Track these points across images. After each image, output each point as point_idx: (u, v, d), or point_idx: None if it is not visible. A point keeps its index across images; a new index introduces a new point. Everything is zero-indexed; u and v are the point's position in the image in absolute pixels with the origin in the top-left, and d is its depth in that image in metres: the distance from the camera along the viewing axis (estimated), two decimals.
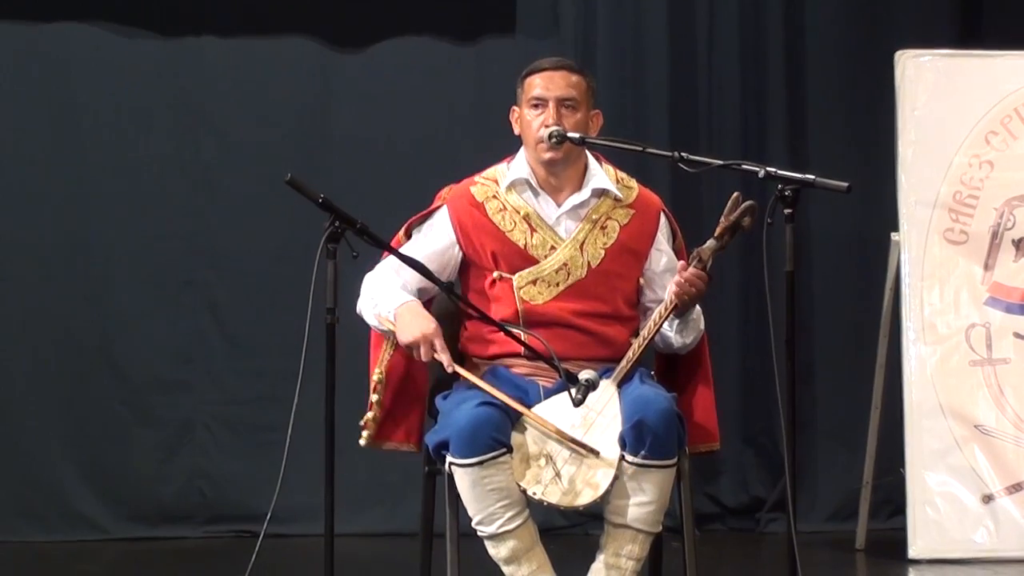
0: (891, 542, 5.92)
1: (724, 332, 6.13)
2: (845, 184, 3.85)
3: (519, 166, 4.18)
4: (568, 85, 4.13)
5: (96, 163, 6.41)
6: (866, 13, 6.69)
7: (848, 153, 6.56)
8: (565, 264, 4.12)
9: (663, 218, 4.25)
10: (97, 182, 6.41)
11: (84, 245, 6.41)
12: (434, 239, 4.17)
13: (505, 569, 3.91)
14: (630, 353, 4.04)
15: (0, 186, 6.38)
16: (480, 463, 3.82)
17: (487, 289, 4.14)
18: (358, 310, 4.16)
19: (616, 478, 3.85)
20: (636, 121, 6.52)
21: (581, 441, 3.85)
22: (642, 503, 3.87)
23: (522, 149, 4.21)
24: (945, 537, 5.61)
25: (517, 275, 4.11)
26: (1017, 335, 5.73)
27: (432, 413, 4.17)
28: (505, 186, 4.16)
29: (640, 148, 4.13)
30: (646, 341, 4.03)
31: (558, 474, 3.85)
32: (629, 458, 3.85)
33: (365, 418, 4.15)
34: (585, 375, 3.85)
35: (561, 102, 4.11)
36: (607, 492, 3.85)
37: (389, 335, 4.12)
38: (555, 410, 3.93)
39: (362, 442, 4.16)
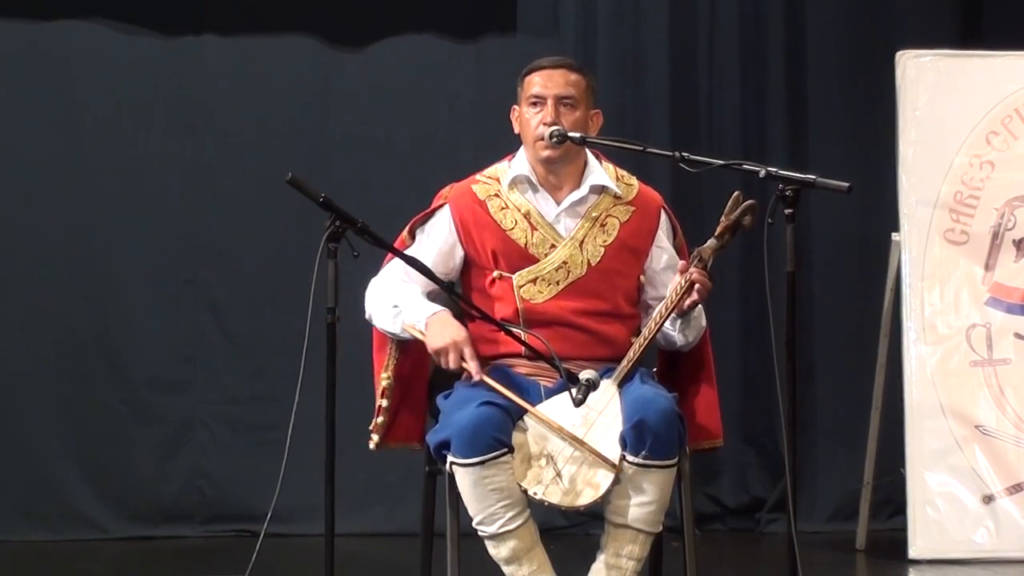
0: (891, 542, 5.93)
1: (724, 332, 6.12)
2: (846, 184, 3.85)
3: (520, 164, 4.18)
4: (567, 83, 4.13)
5: (96, 162, 6.41)
6: (867, 13, 6.69)
7: (849, 153, 6.56)
8: (565, 262, 4.12)
9: (663, 215, 4.25)
10: (97, 181, 6.41)
11: (84, 244, 6.41)
12: (438, 239, 4.17)
13: (505, 569, 3.91)
14: (631, 353, 4.03)
15: (0, 185, 6.38)
16: (481, 463, 3.81)
17: (487, 288, 4.14)
18: (367, 316, 4.15)
19: (617, 478, 3.84)
20: (636, 121, 6.52)
21: (605, 456, 3.84)
22: (643, 503, 3.87)
23: (522, 148, 4.21)
24: (945, 537, 5.62)
25: (517, 274, 4.11)
26: (1018, 335, 5.73)
27: (432, 413, 4.17)
28: (507, 183, 4.16)
29: (641, 148, 4.13)
30: (647, 341, 4.03)
31: (559, 474, 3.85)
32: (630, 458, 3.85)
33: (374, 423, 4.15)
34: (586, 375, 3.85)
35: (560, 100, 4.11)
36: (608, 492, 3.85)
37: (395, 341, 4.12)
38: (556, 410, 3.93)
39: (372, 446, 4.16)
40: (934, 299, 5.75)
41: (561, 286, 4.11)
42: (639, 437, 3.83)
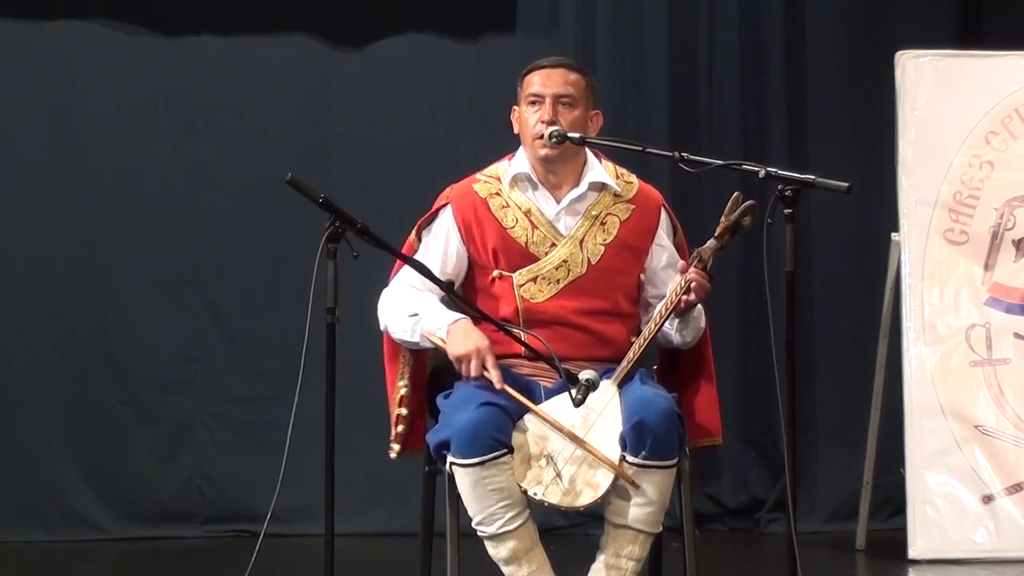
0: (891, 542, 5.92)
1: (724, 332, 6.11)
2: (845, 184, 3.85)
3: (520, 162, 4.19)
4: (566, 82, 4.13)
5: (96, 162, 6.41)
6: (866, 13, 6.70)
7: (848, 153, 6.56)
8: (565, 261, 4.12)
9: (664, 213, 4.26)
10: (97, 181, 6.41)
11: (84, 244, 6.40)
12: (443, 241, 4.17)
13: (505, 569, 3.91)
14: (630, 353, 4.03)
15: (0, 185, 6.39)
16: (481, 463, 3.81)
17: (488, 288, 4.14)
18: (383, 327, 4.15)
19: (616, 479, 3.84)
20: (636, 121, 6.52)
21: (617, 467, 3.84)
22: (642, 503, 3.87)
23: (521, 147, 4.22)
24: (945, 537, 5.62)
25: (517, 272, 4.11)
26: (1017, 335, 5.73)
27: (432, 412, 4.17)
28: (508, 182, 4.16)
29: (640, 148, 4.13)
30: (646, 342, 4.03)
31: (559, 474, 3.85)
32: (630, 458, 3.85)
33: (394, 432, 4.14)
34: (585, 375, 3.85)
35: (558, 99, 4.11)
36: (607, 492, 3.85)
37: (408, 349, 4.14)
38: (556, 410, 3.93)
39: (392, 455, 4.15)
40: (934, 299, 5.75)
41: (561, 285, 4.12)
42: (639, 437, 3.83)
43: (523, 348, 4.02)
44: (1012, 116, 5.81)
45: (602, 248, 4.14)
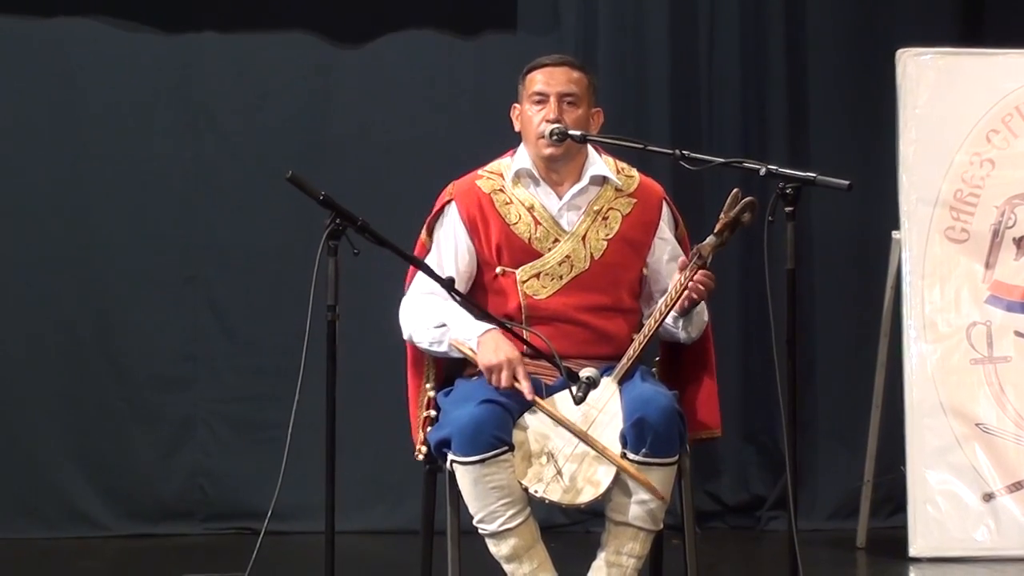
0: (892, 540, 5.92)
1: (725, 330, 6.11)
2: (846, 182, 3.86)
3: (521, 158, 4.19)
4: (569, 81, 4.14)
5: (96, 159, 6.41)
6: (867, 11, 6.69)
7: (849, 151, 6.56)
8: (568, 257, 4.12)
9: (665, 206, 4.27)
10: (97, 179, 6.41)
11: (84, 242, 6.40)
12: (454, 239, 4.17)
13: (506, 567, 3.91)
14: (630, 351, 4.04)
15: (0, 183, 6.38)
16: (482, 461, 3.82)
17: (490, 285, 4.14)
18: (406, 336, 4.15)
19: (617, 476, 3.84)
20: (637, 118, 6.51)
21: (616, 456, 3.85)
22: (643, 501, 3.87)
23: (522, 144, 4.22)
24: (946, 535, 5.62)
25: (520, 269, 4.12)
26: (1018, 333, 5.73)
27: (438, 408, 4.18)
28: (511, 177, 4.16)
29: (641, 146, 4.14)
30: (646, 339, 4.04)
31: (559, 472, 3.85)
32: (630, 456, 3.85)
33: (423, 434, 4.13)
34: (586, 373, 3.85)
35: (562, 97, 4.12)
36: (608, 490, 3.85)
37: (429, 356, 4.16)
38: (556, 407, 3.93)
39: (420, 457, 4.15)
40: (934, 297, 5.75)
41: (564, 280, 4.12)
42: (639, 435, 3.83)
43: (524, 346, 4.02)
44: (1013, 114, 5.80)
45: (604, 243, 4.14)
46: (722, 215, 3.99)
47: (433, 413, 4.15)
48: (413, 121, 6.52)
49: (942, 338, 5.72)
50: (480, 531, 3.91)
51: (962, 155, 5.79)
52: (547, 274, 4.12)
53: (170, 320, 6.43)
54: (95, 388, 6.37)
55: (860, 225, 6.53)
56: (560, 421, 3.89)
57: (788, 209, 3.86)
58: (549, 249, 4.13)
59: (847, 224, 6.55)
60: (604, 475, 3.85)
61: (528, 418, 3.93)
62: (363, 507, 6.26)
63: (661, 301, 4.06)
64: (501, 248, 4.12)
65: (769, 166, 3.91)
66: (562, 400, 3.92)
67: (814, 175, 3.87)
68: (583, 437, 3.87)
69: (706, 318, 4.20)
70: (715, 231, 3.99)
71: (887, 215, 5.96)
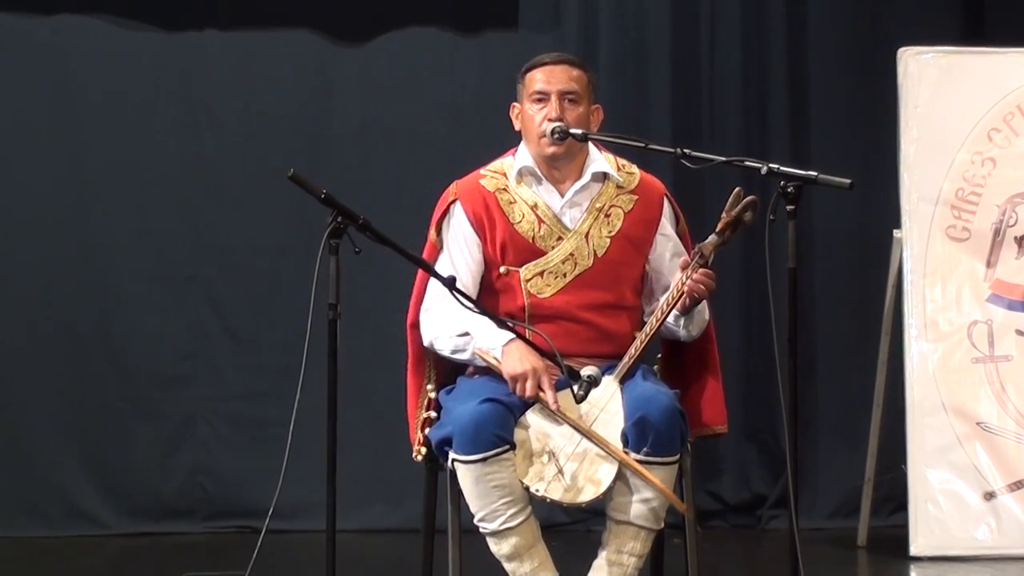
0: (892, 539, 5.92)
1: (726, 329, 6.10)
2: (848, 181, 3.85)
3: (523, 157, 4.19)
4: (570, 79, 4.14)
5: (97, 157, 6.41)
6: (868, 9, 6.68)
7: (850, 150, 6.55)
8: (572, 254, 4.12)
9: (666, 203, 4.27)
10: (98, 177, 6.41)
11: (85, 240, 6.40)
12: (466, 240, 4.16)
13: (507, 566, 3.91)
14: (632, 349, 4.04)
15: (0, 180, 6.38)
16: (483, 460, 3.82)
17: (492, 284, 4.14)
18: (428, 343, 4.14)
19: (619, 475, 3.84)
20: (638, 117, 6.51)
21: (633, 462, 3.85)
22: (644, 500, 3.87)
23: (523, 143, 4.22)
24: (947, 534, 5.61)
25: (524, 267, 4.12)
26: (1019, 332, 5.72)
27: (439, 408, 4.17)
28: (514, 176, 4.16)
29: (643, 144, 4.13)
30: (648, 338, 4.04)
31: (561, 471, 3.85)
32: (632, 455, 3.85)
33: (422, 435, 4.14)
34: (587, 371, 3.84)
35: (563, 95, 4.12)
36: (609, 489, 3.85)
37: (432, 355, 4.16)
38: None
39: (419, 458, 4.15)
40: (935, 296, 5.75)
41: (568, 278, 4.12)
42: (641, 434, 3.84)
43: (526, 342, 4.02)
44: (1014, 113, 5.80)
45: (608, 241, 4.14)
46: (724, 214, 3.99)
47: (434, 414, 4.14)
48: (414, 119, 6.52)
49: (943, 337, 5.72)
50: (481, 530, 3.91)
51: (963, 154, 5.78)
52: (551, 272, 4.12)
53: (171, 318, 6.43)
54: (96, 386, 6.37)
55: (861, 224, 6.53)
56: (573, 425, 3.88)
57: (789, 208, 3.86)
58: (553, 247, 4.13)
59: (848, 223, 6.55)
60: (605, 474, 3.85)
61: (530, 417, 3.93)
62: (364, 505, 6.26)
63: (663, 299, 4.06)
64: (506, 247, 4.12)
65: (770, 165, 3.91)
66: (564, 399, 3.92)
67: (815, 174, 3.87)
68: (591, 436, 3.86)
69: (707, 317, 4.20)
70: (717, 230, 3.99)
71: (888, 214, 5.95)
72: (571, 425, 3.88)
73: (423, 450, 4.13)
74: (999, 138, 5.80)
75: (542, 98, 4.13)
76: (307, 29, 6.51)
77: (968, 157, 5.78)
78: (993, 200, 5.77)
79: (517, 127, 4.23)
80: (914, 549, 5.61)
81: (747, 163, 4.01)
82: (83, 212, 6.40)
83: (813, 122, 6.67)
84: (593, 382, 3.84)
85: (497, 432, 3.83)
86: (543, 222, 4.13)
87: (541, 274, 4.12)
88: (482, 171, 4.24)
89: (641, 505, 3.88)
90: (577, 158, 4.18)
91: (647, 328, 4.05)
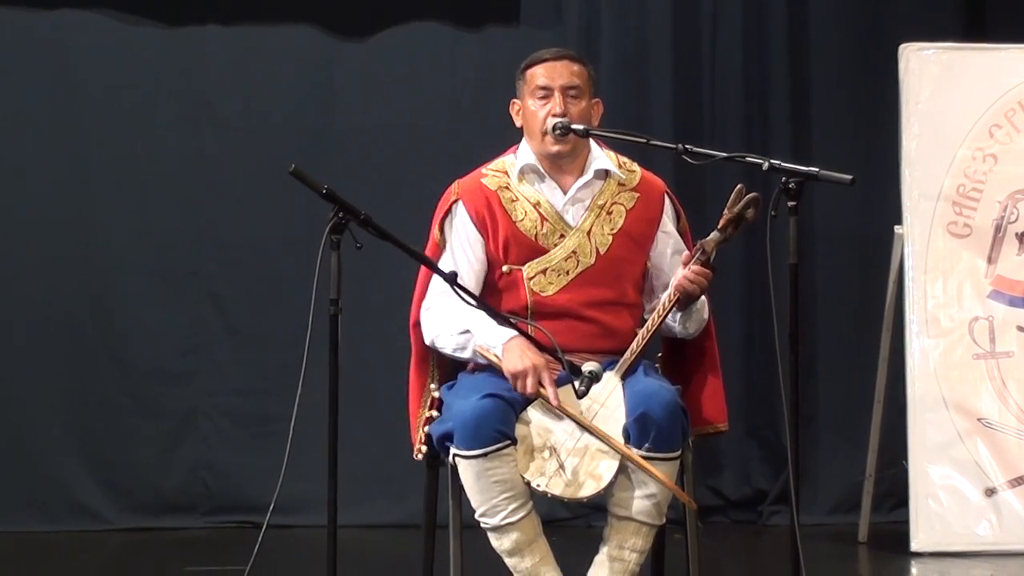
0: (893, 535, 5.92)
1: (727, 325, 6.11)
2: (849, 177, 3.85)
3: (525, 154, 4.19)
4: (572, 74, 4.15)
5: (98, 153, 6.41)
6: (869, 6, 6.68)
7: (852, 146, 6.56)
8: (574, 252, 4.12)
9: (667, 200, 4.27)
10: (99, 172, 6.41)
11: (86, 236, 6.40)
12: (466, 239, 4.16)
13: (508, 561, 3.91)
14: (634, 345, 4.04)
15: (0, 176, 6.38)
16: (484, 455, 3.82)
17: (495, 282, 4.14)
18: (429, 340, 4.14)
19: (620, 470, 3.85)
20: (639, 112, 6.51)
21: (635, 456, 3.85)
22: (646, 495, 3.87)
23: (524, 140, 4.22)
24: (948, 530, 5.62)
25: (527, 266, 4.12)
26: (1020, 328, 5.72)
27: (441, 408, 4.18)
28: (516, 174, 4.16)
29: (644, 140, 4.14)
30: (649, 334, 4.04)
31: (562, 466, 3.85)
32: (633, 451, 3.85)
33: (422, 434, 4.13)
34: (589, 367, 3.85)
35: (566, 90, 4.12)
36: (610, 484, 3.85)
37: (435, 354, 4.16)
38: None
39: (420, 457, 4.15)
40: (937, 292, 5.75)
41: (571, 276, 4.12)
42: (642, 430, 3.84)
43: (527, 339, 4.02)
44: (1015, 109, 5.80)
45: (610, 238, 4.14)
46: (726, 211, 3.99)
47: (436, 414, 4.14)
48: (416, 115, 6.52)
49: (944, 333, 5.72)
50: (482, 525, 3.91)
51: (964, 150, 5.78)
52: (553, 270, 4.12)
53: (172, 314, 6.43)
54: (97, 382, 6.37)
55: (863, 220, 6.53)
56: (576, 420, 3.88)
57: (791, 204, 3.85)
58: (555, 245, 4.13)
59: (850, 219, 6.55)
60: (606, 469, 3.85)
61: (531, 412, 3.93)
62: (365, 501, 6.26)
63: (664, 296, 4.06)
64: (508, 245, 4.12)
65: (772, 160, 3.90)
66: (565, 394, 3.91)
67: (817, 170, 3.87)
68: (593, 430, 3.86)
69: (706, 315, 4.20)
70: (719, 227, 3.99)
71: (889, 210, 5.96)
72: (573, 420, 3.88)
73: (423, 448, 4.13)
74: (1000, 134, 5.80)
75: (545, 94, 4.12)
76: (308, 24, 6.51)
77: (969, 153, 5.78)
78: (994, 196, 5.77)
79: (518, 124, 4.23)
80: (915, 545, 5.61)
81: (749, 159, 4.01)
82: (84, 208, 6.40)
83: (814, 118, 6.67)
84: (594, 378, 3.84)
85: (498, 427, 3.83)
86: (545, 220, 4.13)
87: (544, 272, 4.12)
88: (483, 170, 4.24)
89: (642, 501, 3.88)
90: (580, 154, 4.18)
91: (649, 324, 4.05)
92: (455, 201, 4.19)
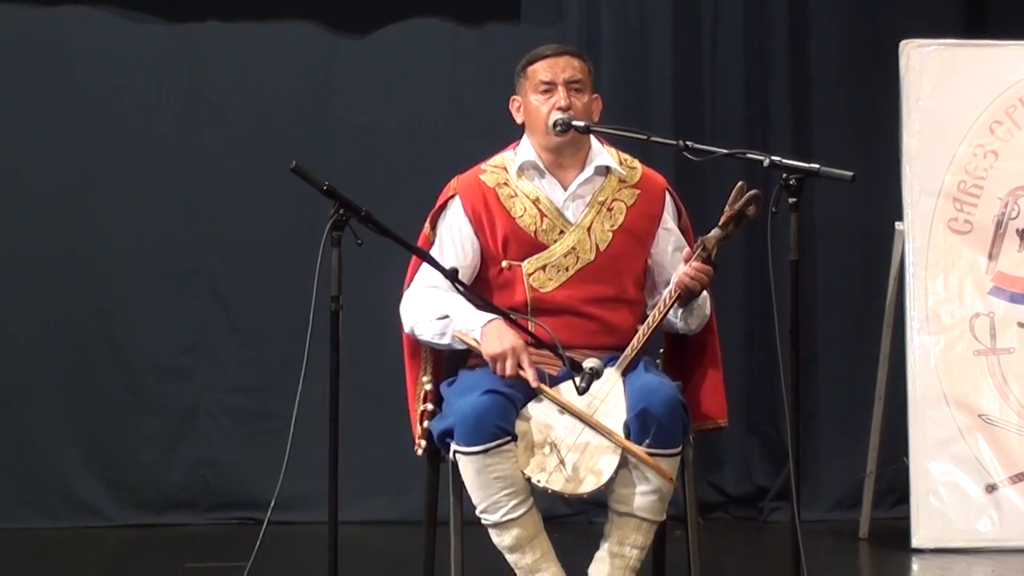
0: (894, 531, 5.92)
1: (728, 321, 6.10)
2: (850, 173, 3.85)
3: (525, 151, 4.19)
4: (573, 68, 4.15)
5: (98, 150, 6.41)
6: (870, 3, 6.69)
7: (852, 142, 6.56)
8: (574, 248, 4.12)
9: (668, 197, 4.27)
10: (99, 169, 6.41)
11: (88, 233, 6.40)
12: (459, 234, 4.15)
13: (509, 557, 3.91)
14: (634, 341, 4.04)
15: (1, 173, 6.37)
16: (485, 451, 3.82)
17: (495, 279, 4.14)
18: (408, 329, 4.14)
19: (620, 466, 3.85)
20: (640, 109, 6.51)
21: (637, 450, 3.85)
22: (646, 492, 3.87)
23: (525, 137, 4.22)
24: (948, 526, 5.62)
25: (526, 262, 4.11)
26: (1021, 324, 5.73)
27: (436, 400, 4.17)
28: (515, 171, 4.16)
29: (645, 136, 4.13)
30: (650, 330, 4.04)
31: (562, 462, 3.85)
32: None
33: (421, 428, 4.13)
34: (589, 363, 3.85)
35: (569, 84, 4.12)
36: (611, 480, 3.85)
37: (427, 347, 4.14)
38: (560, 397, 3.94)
39: (420, 452, 4.15)
40: (937, 288, 5.75)
41: (571, 272, 4.12)
42: (643, 426, 3.84)
43: (528, 336, 4.02)
44: (1016, 105, 5.80)
45: (610, 235, 4.14)
46: (727, 208, 3.99)
47: (430, 407, 4.14)
48: (416, 111, 6.52)
49: (945, 329, 5.73)
50: (483, 521, 3.91)
51: (965, 146, 5.79)
52: (553, 266, 4.12)
53: (173, 311, 6.43)
54: (99, 379, 6.38)
55: (863, 216, 6.53)
56: (565, 407, 3.89)
57: (792, 200, 3.85)
58: (555, 241, 4.12)
59: (850, 215, 6.55)
60: (607, 465, 3.85)
61: (531, 408, 3.93)
62: (366, 497, 6.27)
63: (665, 292, 4.06)
64: (508, 241, 4.12)
65: (773, 157, 3.90)
66: (565, 390, 3.92)
67: (818, 166, 3.86)
68: (589, 421, 3.87)
69: (708, 311, 4.20)
70: (720, 224, 3.99)
71: (890, 206, 5.96)
72: (573, 414, 3.88)
73: (423, 443, 4.13)
74: (1001, 131, 5.80)
75: (548, 88, 4.12)
76: (309, 21, 6.51)
77: (970, 150, 5.78)
78: (995, 193, 5.78)
79: (519, 120, 4.22)
80: (916, 541, 5.62)
81: (749, 156, 4.01)
82: (85, 205, 6.40)
83: (815, 115, 6.67)
84: (595, 374, 3.84)
85: (498, 423, 3.83)
86: (545, 216, 4.13)
87: (544, 268, 4.12)
88: (483, 165, 4.24)
89: (643, 497, 3.88)
90: (581, 149, 4.18)
91: (649, 320, 4.05)
92: (452, 196, 4.18)
